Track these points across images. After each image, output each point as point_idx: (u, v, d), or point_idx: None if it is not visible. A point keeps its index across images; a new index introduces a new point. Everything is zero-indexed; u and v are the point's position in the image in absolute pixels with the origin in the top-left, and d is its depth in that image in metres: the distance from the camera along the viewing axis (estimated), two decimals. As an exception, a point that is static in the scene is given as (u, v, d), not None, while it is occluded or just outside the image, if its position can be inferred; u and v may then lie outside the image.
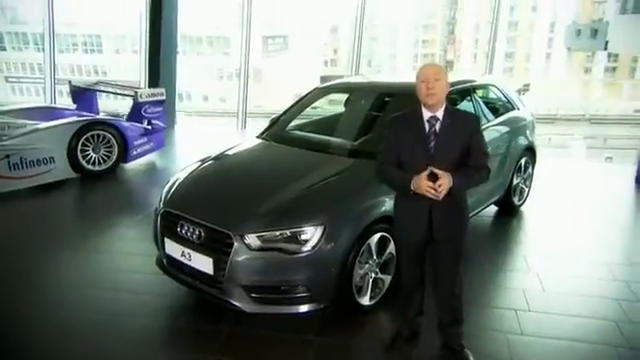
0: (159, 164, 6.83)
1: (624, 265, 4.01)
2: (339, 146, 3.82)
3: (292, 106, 4.43)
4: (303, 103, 4.44)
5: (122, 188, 6.01)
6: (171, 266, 3.24)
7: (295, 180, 3.28)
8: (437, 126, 2.45)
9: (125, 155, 6.29)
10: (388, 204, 3.13)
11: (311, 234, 2.89)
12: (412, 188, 2.42)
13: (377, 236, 3.13)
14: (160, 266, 3.36)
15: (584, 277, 3.80)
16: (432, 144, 2.45)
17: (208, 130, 10.57)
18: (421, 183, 2.38)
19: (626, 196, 5.93)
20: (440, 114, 2.46)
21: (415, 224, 2.55)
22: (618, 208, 5.53)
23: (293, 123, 4.37)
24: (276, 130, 4.23)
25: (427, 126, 2.46)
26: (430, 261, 2.68)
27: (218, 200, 3.23)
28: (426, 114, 2.47)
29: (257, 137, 4.17)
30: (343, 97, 4.70)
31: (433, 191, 2.35)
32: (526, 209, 5.12)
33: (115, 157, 6.18)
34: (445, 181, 2.34)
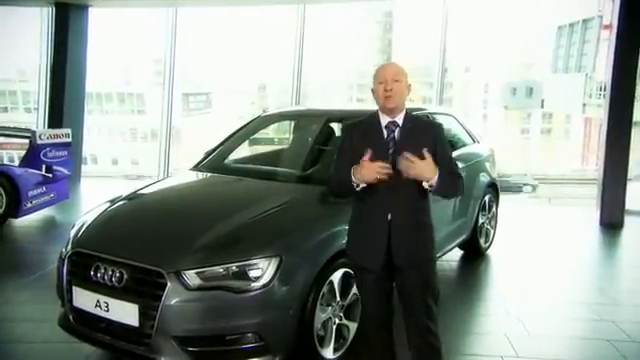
0: (60, 219, 6.24)
1: (607, 305, 4.05)
2: (289, 172, 3.69)
3: (231, 136, 4.24)
4: (244, 133, 4.27)
5: (10, 247, 5.42)
6: (81, 323, 2.80)
7: (241, 209, 3.07)
8: (396, 132, 2.38)
9: (16, 208, 5.71)
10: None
11: (264, 268, 2.64)
12: (354, 181, 2.27)
13: (340, 272, 2.93)
14: (64, 325, 2.90)
15: (569, 319, 3.77)
16: (391, 151, 2.34)
17: (125, 182, 10.04)
18: (369, 167, 2.22)
19: (592, 237, 6.26)
20: (400, 119, 2.39)
21: (371, 248, 2.36)
22: (587, 248, 5.80)
23: (233, 156, 4.18)
24: (212, 162, 4.01)
25: (385, 132, 2.38)
26: (398, 294, 2.48)
27: (144, 235, 2.92)
28: (384, 120, 2.40)
29: (191, 170, 3.93)
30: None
31: (386, 170, 2.21)
32: (492, 252, 5.14)
33: (2, 211, 5.60)
34: (427, 165, 2.19)
